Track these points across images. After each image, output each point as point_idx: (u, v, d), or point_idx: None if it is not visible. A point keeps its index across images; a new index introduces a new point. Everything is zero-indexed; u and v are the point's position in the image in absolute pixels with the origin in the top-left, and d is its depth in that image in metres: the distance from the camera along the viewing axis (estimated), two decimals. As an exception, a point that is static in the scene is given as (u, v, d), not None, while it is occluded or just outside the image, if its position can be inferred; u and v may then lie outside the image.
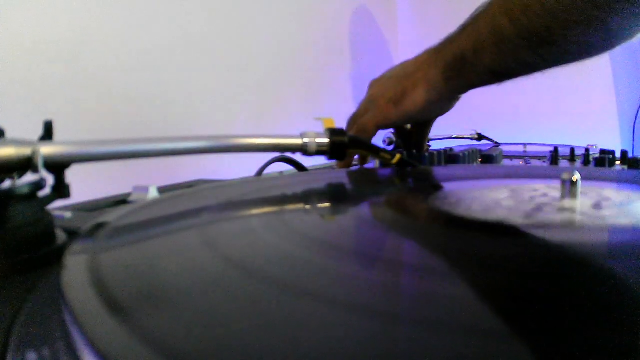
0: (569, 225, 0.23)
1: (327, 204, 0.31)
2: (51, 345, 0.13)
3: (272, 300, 0.14)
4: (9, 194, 0.21)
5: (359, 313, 0.13)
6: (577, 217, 0.23)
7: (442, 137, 0.99)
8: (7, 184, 0.22)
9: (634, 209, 0.25)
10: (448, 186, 0.36)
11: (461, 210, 0.26)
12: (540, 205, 0.25)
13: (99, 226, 0.22)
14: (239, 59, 0.78)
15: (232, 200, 0.30)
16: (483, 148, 0.85)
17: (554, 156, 0.67)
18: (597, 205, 0.25)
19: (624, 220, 0.23)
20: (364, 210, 0.30)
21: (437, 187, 0.36)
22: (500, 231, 0.22)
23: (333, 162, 0.51)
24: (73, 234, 0.23)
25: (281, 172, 0.50)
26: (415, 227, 0.25)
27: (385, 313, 0.13)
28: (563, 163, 0.69)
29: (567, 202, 0.26)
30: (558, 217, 0.23)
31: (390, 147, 0.66)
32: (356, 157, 0.55)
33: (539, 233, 0.22)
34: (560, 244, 0.21)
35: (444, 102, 0.52)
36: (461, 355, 0.10)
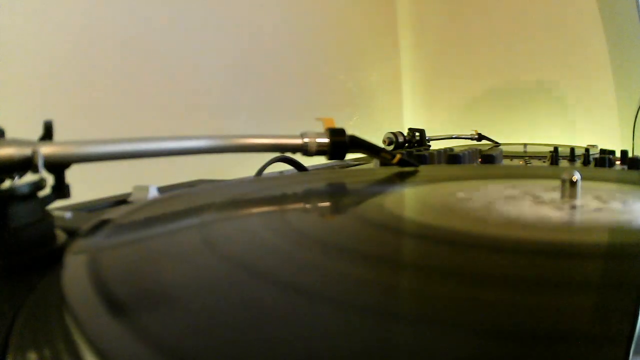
0: (568, 224, 0.23)
1: (323, 203, 0.31)
2: (51, 346, 0.13)
3: (273, 300, 0.14)
4: (9, 194, 0.21)
5: (357, 312, 0.13)
6: (576, 217, 0.23)
7: (442, 137, 0.99)
8: (7, 184, 0.22)
9: (633, 209, 0.25)
10: (445, 184, 0.36)
11: (455, 209, 0.26)
12: (537, 205, 0.25)
13: (99, 225, 0.22)
14: (239, 59, 0.78)
15: (232, 199, 0.30)
16: (483, 148, 0.85)
17: (554, 156, 0.67)
18: (596, 205, 0.25)
19: (624, 221, 0.23)
20: (353, 209, 0.30)
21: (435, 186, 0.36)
22: (497, 231, 0.22)
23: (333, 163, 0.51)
24: (73, 234, 0.23)
25: (281, 172, 0.50)
26: (412, 225, 0.25)
27: (385, 312, 0.13)
28: (563, 163, 0.69)
29: (566, 202, 0.26)
30: (557, 217, 0.23)
31: (390, 147, 0.66)
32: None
33: (536, 231, 0.22)
34: (559, 243, 0.20)
35: None
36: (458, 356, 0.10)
